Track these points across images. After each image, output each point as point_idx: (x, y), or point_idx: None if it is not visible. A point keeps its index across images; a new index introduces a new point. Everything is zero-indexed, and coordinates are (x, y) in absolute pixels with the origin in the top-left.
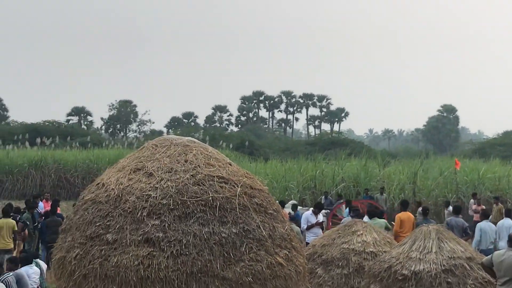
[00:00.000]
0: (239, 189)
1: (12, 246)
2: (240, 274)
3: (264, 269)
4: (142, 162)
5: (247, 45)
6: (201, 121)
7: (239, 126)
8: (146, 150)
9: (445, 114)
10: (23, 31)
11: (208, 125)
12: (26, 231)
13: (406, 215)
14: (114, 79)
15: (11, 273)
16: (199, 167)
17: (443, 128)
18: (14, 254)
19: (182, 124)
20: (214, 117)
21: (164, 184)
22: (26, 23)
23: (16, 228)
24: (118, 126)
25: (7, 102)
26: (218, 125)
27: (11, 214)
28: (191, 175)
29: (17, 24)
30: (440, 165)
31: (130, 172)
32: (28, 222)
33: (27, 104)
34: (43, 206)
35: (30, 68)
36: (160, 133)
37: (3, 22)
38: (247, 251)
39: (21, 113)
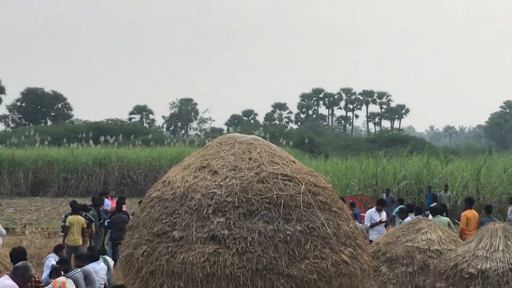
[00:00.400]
0: (303, 186)
1: (81, 242)
2: (305, 271)
3: (329, 267)
4: (207, 160)
5: (307, 43)
6: (260, 118)
7: (299, 123)
8: (210, 148)
9: (507, 110)
10: (86, 31)
11: (267, 122)
12: (93, 228)
13: (472, 212)
14: (175, 78)
15: (78, 270)
16: (263, 165)
17: (506, 124)
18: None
19: (242, 121)
20: (274, 114)
21: (229, 181)
22: (89, 23)
23: (85, 225)
24: (179, 124)
25: (71, 101)
26: (278, 122)
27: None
28: (256, 173)
29: (80, 24)
30: (504, 162)
31: (195, 170)
32: (93, 219)
33: (90, 103)
34: (110, 204)
35: (93, 67)
36: (220, 131)
37: (66, 22)
38: (312, 248)
39: (85, 111)
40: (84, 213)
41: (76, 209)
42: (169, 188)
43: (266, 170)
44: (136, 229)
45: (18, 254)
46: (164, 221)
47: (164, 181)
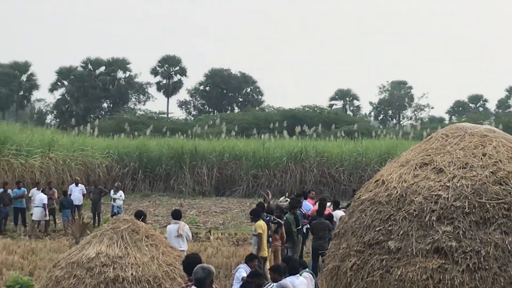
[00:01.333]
0: None
1: (266, 253)
2: None
3: None
4: (429, 155)
5: None
6: (492, 105)
7: None
8: (434, 141)
9: None
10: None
11: (501, 110)
12: (284, 232)
13: None
14: (385, 57)
15: (274, 284)
16: (501, 162)
17: None
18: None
19: (468, 109)
20: (509, 100)
21: (458, 182)
22: None
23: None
24: (390, 112)
25: (262, 84)
26: None
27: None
28: (491, 172)
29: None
30: None
31: (416, 168)
32: (281, 223)
33: (284, 86)
34: (310, 206)
35: (287, 45)
36: (440, 120)
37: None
38: None
39: (278, 97)
40: (269, 215)
41: (257, 213)
42: (383, 189)
43: (504, 169)
44: (344, 238)
45: (192, 264)
46: (378, 228)
47: (377, 181)
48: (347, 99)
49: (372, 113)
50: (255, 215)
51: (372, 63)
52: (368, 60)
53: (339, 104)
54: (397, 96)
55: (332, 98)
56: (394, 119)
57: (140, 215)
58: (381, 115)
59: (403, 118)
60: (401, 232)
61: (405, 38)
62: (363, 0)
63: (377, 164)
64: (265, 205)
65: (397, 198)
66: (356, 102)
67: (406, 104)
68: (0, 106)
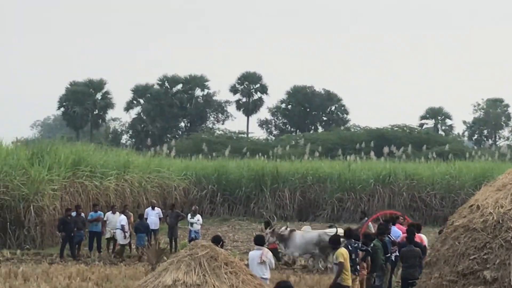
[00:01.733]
0: None
1: (350, 282)
2: None
3: None
4: None
5: None
6: None
7: None
8: None
9: None
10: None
11: None
12: (369, 260)
13: None
14: (479, 72)
15: None
16: None
17: None
18: None
19: None
20: None
21: None
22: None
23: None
24: (485, 131)
25: (347, 102)
26: None
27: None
28: None
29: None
30: None
31: None
32: (370, 251)
33: (371, 104)
34: (399, 233)
35: (374, 61)
36: None
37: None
38: None
39: (364, 116)
40: (357, 242)
41: (338, 241)
42: (478, 215)
43: None
44: (436, 267)
45: None
46: (472, 257)
47: (471, 206)
48: (439, 118)
49: (466, 133)
50: (335, 243)
51: (466, 79)
52: (462, 76)
53: (430, 123)
54: (493, 115)
55: (423, 117)
56: (489, 139)
57: (218, 240)
58: (476, 135)
59: (500, 138)
60: (497, 261)
61: (501, 53)
62: (456, 16)
63: (471, 188)
64: (266, 231)
65: (493, 224)
66: (448, 121)
67: (502, 123)
68: (74, 126)
